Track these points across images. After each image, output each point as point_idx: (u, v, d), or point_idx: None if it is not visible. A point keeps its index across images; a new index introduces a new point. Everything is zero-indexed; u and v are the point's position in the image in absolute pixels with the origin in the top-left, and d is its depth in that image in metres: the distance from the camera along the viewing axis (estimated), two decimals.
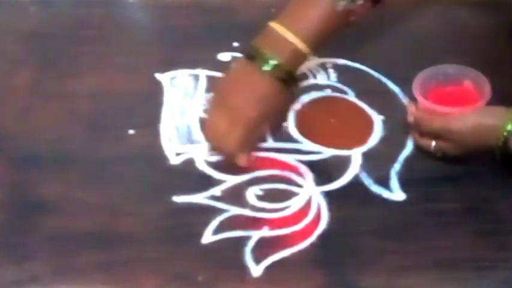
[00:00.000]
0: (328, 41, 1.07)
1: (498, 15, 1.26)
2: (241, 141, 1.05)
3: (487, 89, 1.04)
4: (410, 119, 1.06)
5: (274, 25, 1.05)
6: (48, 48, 1.23)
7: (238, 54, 1.17)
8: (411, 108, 1.07)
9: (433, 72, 1.07)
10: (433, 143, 1.04)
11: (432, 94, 1.06)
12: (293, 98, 1.13)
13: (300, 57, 1.06)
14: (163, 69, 1.18)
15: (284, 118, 1.12)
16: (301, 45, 1.04)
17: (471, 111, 1.03)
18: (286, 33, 1.04)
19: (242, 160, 1.06)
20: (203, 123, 1.11)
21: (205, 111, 1.12)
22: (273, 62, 1.04)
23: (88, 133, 1.11)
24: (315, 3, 1.05)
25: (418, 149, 1.07)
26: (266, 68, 1.04)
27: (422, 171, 1.06)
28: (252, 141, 1.08)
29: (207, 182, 1.05)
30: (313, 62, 1.19)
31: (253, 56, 1.05)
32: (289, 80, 1.06)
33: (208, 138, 1.08)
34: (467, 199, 1.03)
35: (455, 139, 1.02)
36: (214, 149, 1.08)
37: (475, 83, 1.07)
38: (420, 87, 1.06)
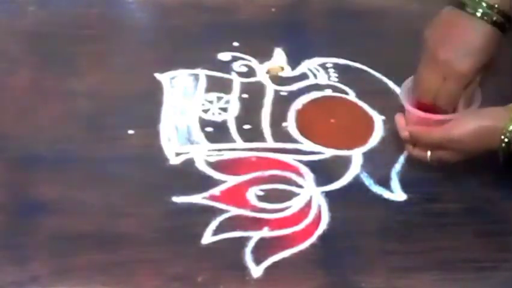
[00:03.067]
0: None
1: None
2: (455, 97, 1.01)
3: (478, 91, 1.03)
4: (404, 134, 1.03)
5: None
6: (47, 48, 1.23)
7: (239, 54, 1.19)
8: (400, 122, 1.04)
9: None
10: (429, 153, 1.02)
11: (416, 101, 1.04)
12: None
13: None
14: (163, 69, 1.18)
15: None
16: None
17: (468, 115, 1.01)
18: None
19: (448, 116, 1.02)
20: (415, 80, 1.05)
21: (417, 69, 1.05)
22: (486, 4, 0.99)
23: (88, 133, 1.11)
24: None
25: (413, 160, 1.06)
26: (480, 11, 0.99)
27: (423, 172, 1.06)
28: (467, 94, 1.03)
29: (206, 182, 1.05)
30: (313, 62, 1.19)
31: (463, 3, 1.01)
32: (506, 23, 1.00)
33: (421, 94, 1.03)
34: (468, 199, 1.03)
35: (456, 147, 1.00)
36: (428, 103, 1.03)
37: None
38: (407, 96, 1.04)
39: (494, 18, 0.99)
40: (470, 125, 0.98)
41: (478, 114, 1.01)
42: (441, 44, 1.01)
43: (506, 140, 0.97)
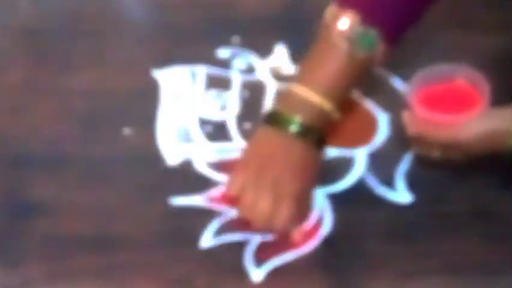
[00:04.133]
0: (350, 93, 1.03)
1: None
2: (293, 216, 0.97)
3: (485, 86, 1.01)
4: (411, 132, 0.99)
5: (293, 87, 0.99)
6: (40, 44, 1.22)
7: (238, 50, 1.17)
8: (408, 120, 0.99)
9: (423, 75, 1.03)
10: (435, 152, 1.00)
11: (424, 97, 1.02)
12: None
13: (326, 116, 0.99)
14: (160, 66, 1.17)
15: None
16: (325, 104, 0.98)
17: (477, 117, 0.98)
18: (308, 93, 0.98)
19: (296, 235, 0.99)
20: (239, 205, 0.98)
21: (232, 189, 1.00)
22: (298, 120, 0.97)
23: (83, 133, 1.10)
24: (330, 57, 0.99)
25: (419, 158, 1.05)
26: (294, 128, 0.97)
27: (430, 172, 1.04)
28: (303, 212, 1.00)
29: (205, 184, 1.04)
30: None
31: (276, 120, 0.98)
32: (320, 141, 0.99)
33: (253, 220, 0.98)
34: (477, 201, 1.02)
35: (464, 149, 0.97)
36: (263, 229, 1.00)
37: (467, 79, 1.03)
38: (414, 94, 1.02)
39: (309, 135, 0.97)
40: (478, 127, 0.96)
41: (487, 116, 0.98)
42: (266, 164, 0.97)
43: None
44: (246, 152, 1.00)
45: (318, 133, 0.98)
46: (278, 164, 0.97)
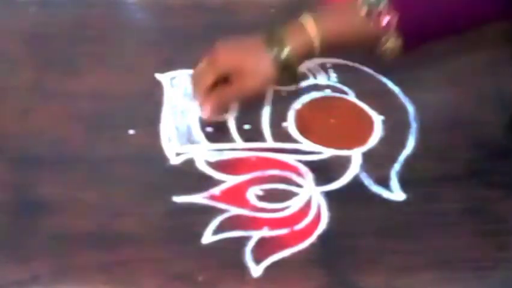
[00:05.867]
0: (341, 50, 1.10)
1: None
2: (216, 106, 1.08)
3: None
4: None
5: (305, 16, 1.07)
6: (48, 48, 1.22)
7: None
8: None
9: None
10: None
11: None
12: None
13: (310, 53, 1.07)
14: (163, 69, 1.18)
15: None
16: (316, 42, 1.05)
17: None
18: (311, 27, 1.05)
19: (205, 110, 1.08)
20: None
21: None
22: (287, 51, 1.05)
23: (88, 133, 1.11)
24: (343, 8, 1.06)
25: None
26: (277, 52, 1.05)
27: (422, 171, 1.06)
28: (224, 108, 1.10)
29: (207, 182, 1.05)
30: (313, 62, 1.19)
31: (272, 34, 1.06)
32: (289, 73, 1.07)
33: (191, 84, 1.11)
34: (468, 199, 1.03)
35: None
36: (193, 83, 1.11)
37: None
38: None
39: (285, 65, 1.06)
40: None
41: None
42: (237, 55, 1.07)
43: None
44: (233, 40, 1.08)
45: (294, 69, 1.07)
46: (245, 66, 1.06)
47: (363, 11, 1.05)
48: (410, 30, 1.05)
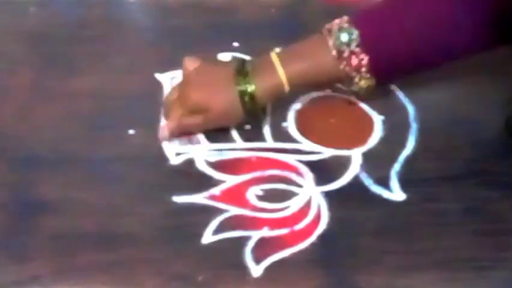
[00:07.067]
0: (313, 89, 1.12)
1: None
2: (174, 130, 1.08)
3: None
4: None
5: (273, 56, 1.07)
6: (48, 48, 1.23)
7: (239, 55, 1.18)
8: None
9: None
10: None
11: None
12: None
13: (278, 95, 1.07)
14: (163, 69, 1.18)
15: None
16: (286, 85, 1.06)
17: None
18: (279, 68, 1.06)
19: (164, 131, 1.09)
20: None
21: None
22: (251, 89, 1.05)
23: (88, 133, 1.11)
24: (313, 49, 1.06)
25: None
26: (244, 88, 1.05)
27: (422, 172, 1.06)
28: (188, 128, 1.09)
29: (207, 182, 1.05)
30: None
31: (240, 72, 1.06)
32: (253, 111, 1.07)
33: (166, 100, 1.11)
34: (467, 199, 1.03)
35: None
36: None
37: None
38: None
39: (251, 104, 1.06)
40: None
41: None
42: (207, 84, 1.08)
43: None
44: (204, 69, 1.09)
45: (263, 109, 1.09)
46: (214, 105, 1.06)
47: (334, 52, 1.05)
48: (382, 69, 1.06)
